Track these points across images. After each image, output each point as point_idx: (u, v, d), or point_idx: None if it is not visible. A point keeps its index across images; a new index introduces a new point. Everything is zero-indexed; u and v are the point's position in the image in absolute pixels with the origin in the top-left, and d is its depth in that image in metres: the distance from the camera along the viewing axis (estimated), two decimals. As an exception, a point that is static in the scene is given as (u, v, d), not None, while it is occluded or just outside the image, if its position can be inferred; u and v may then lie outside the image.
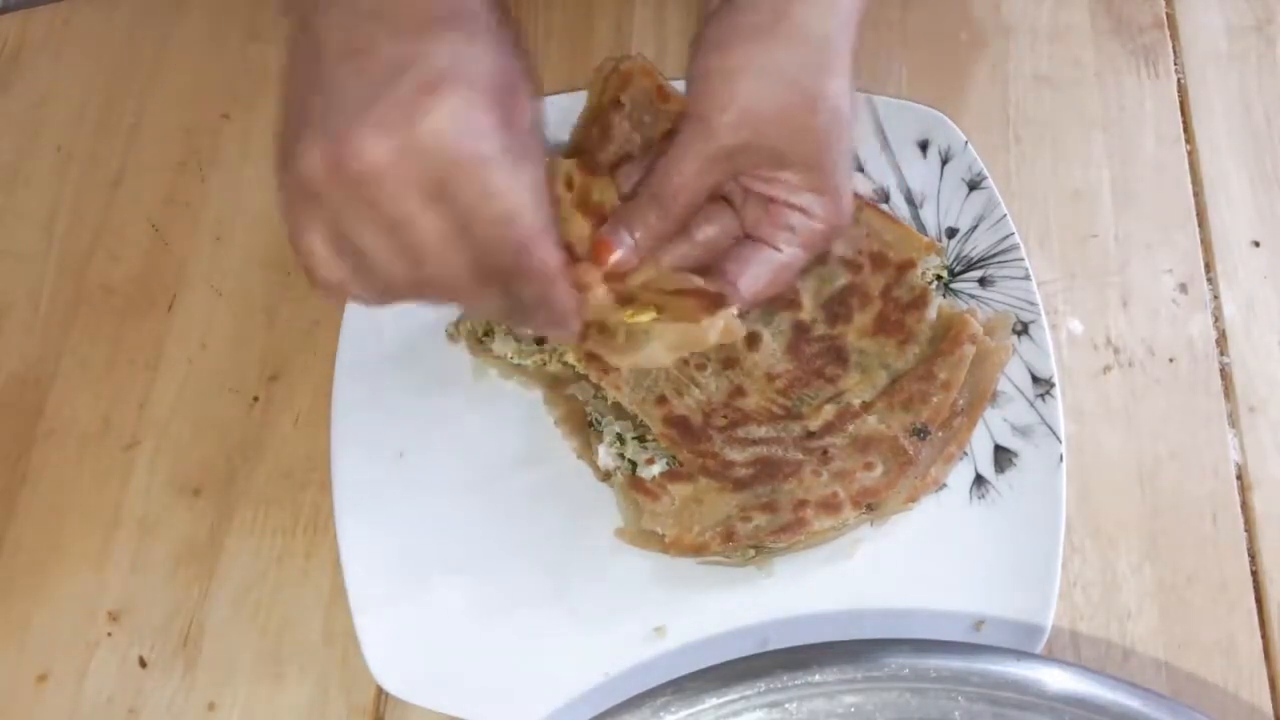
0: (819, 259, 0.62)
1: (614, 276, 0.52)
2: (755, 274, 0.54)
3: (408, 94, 0.44)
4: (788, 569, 0.60)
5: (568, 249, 0.50)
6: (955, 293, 0.65)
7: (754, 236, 0.54)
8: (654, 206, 0.53)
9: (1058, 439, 0.60)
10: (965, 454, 0.61)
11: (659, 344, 0.53)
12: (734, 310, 0.52)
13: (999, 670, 0.50)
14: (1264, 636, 0.59)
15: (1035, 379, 0.62)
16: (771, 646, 0.56)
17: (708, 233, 0.55)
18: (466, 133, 0.44)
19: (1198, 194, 0.70)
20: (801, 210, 0.53)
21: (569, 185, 0.53)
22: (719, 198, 0.55)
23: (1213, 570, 0.60)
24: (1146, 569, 0.61)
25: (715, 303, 0.52)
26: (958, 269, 0.66)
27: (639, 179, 0.54)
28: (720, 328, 0.52)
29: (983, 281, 0.65)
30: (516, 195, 0.45)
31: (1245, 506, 0.62)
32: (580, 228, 0.53)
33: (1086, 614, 0.60)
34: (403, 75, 0.44)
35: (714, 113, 0.51)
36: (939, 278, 0.65)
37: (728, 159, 0.52)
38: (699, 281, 0.53)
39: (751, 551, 0.59)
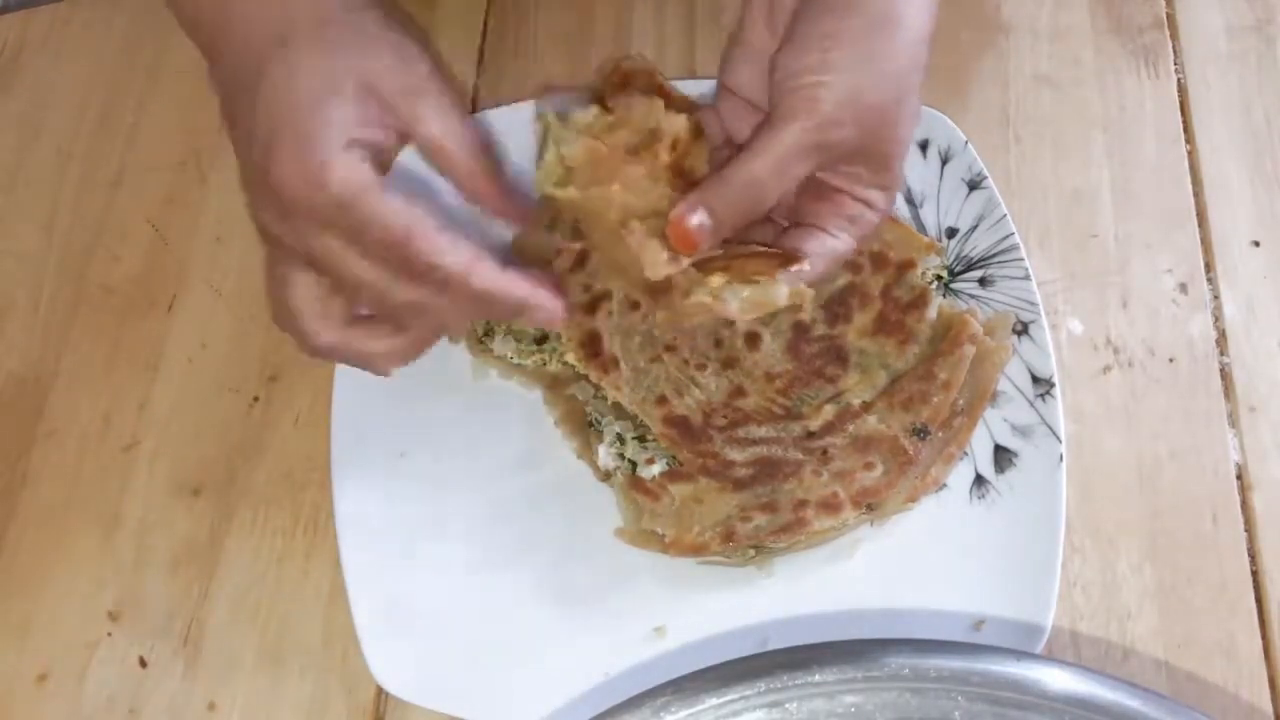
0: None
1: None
2: (813, 258, 0.53)
3: (259, 153, 0.48)
4: (788, 569, 0.60)
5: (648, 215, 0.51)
6: (955, 293, 0.65)
7: (809, 224, 0.54)
8: (745, 191, 0.51)
9: (1058, 439, 0.61)
10: (965, 454, 0.61)
11: (732, 305, 0.52)
12: (806, 265, 0.52)
13: (999, 670, 0.50)
14: (1264, 636, 0.59)
15: (1035, 379, 0.62)
16: (771, 646, 0.56)
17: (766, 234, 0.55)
18: (307, 181, 0.47)
19: (1198, 194, 0.70)
20: (866, 203, 0.53)
21: (673, 146, 0.52)
22: None
23: (1213, 570, 0.60)
24: (1146, 569, 0.61)
25: (784, 261, 0.52)
26: (958, 269, 0.66)
27: (727, 158, 0.52)
28: (788, 292, 0.51)
29: (983, 281, 0.65)
30: (394, 215, 0.48)
31: (1245, 506, 0.62)
32: (660, 196, 0.51)
33: (1086, 614, 0.60)
34: (251, 140, 0.49)
35: (820, 101, 0.50)
36: (939, 278, 0.65)
37: (823, 149, 0.51)
38: (763, 248, 0.53)
39: (751, 551, 0.60)
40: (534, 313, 0.51)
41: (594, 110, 0.51)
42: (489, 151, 0.51)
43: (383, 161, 0.50)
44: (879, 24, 0.50)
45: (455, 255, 0.49)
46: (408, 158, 0.52)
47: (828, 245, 0.53)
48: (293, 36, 0.49)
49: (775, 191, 0.52)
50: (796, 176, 0.52)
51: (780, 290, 0.51)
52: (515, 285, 0.50)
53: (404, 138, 0.50)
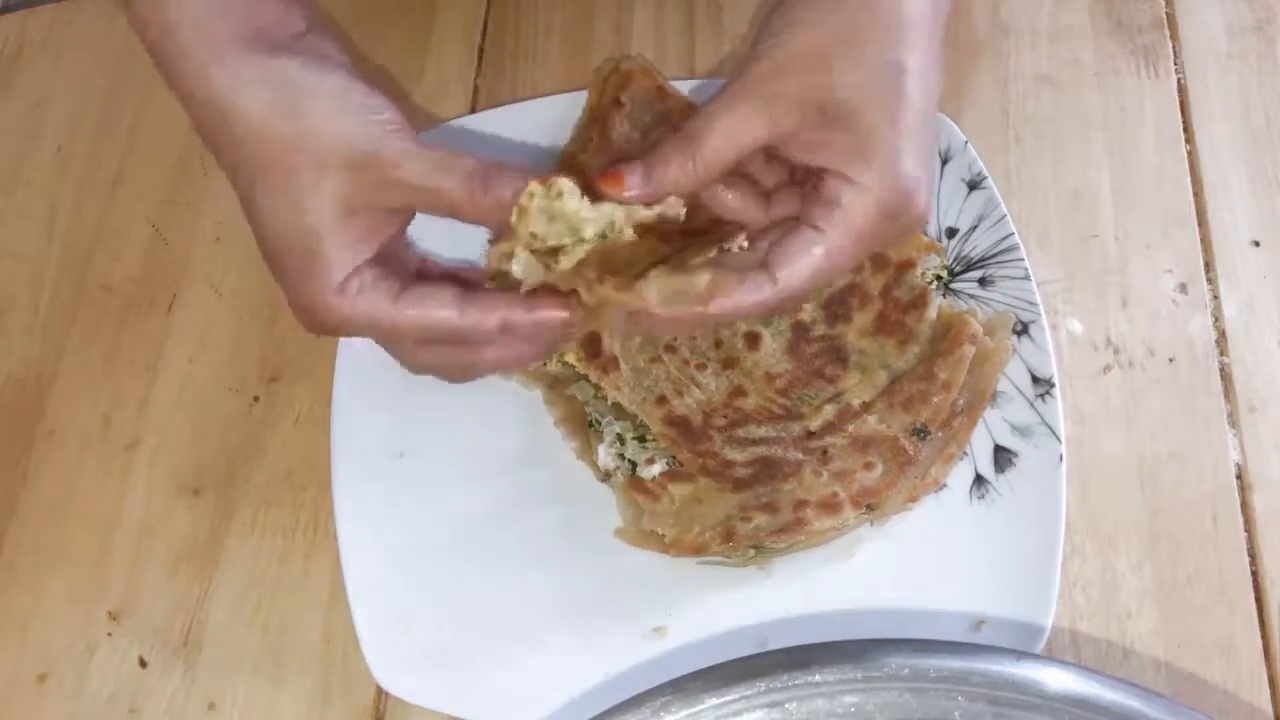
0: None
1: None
2: (793, 262, 0.48)
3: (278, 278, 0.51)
4: (788, 569, 0.60)
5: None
6: (955, 293, 0.65)
7: (801, 219, 0.49)
8: (684, 150, 0.48)
9: (1058, 439, 0.60)
10: (965, 454, 0.61)
11: (649, 295, 0.49)
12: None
13: (999, 670, 0.50)
14: (1264, 636, 0.59)
15: (1035, 379, 0.62)
16: (771, 646, 0.56)
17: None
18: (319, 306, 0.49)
19: (1198, 194, 0.70)
20: (848, 179, 0.47)
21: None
22: (764, 193, 0.52)
23: (1213, 570, 0.60)
24: (1146, 569, 0.61)
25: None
26: (958, 269, 0.66)
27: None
28: (707, 280, 0.48)
29: (983, 281, 0.65)
30: (419, 320, 0.50)
31: (1245, 506, 0.62)
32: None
33: (1086, 614, 0.60)
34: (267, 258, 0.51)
35: (768, 54, 0.48)
36: (939, 278, 0.65)
37: (775, 108, 0.48)
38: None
39: (751, 551, 0.60)
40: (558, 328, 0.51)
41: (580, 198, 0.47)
42: (485, 175, 0.48)
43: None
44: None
45: (491, 315, 0.49)
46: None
47: (807, 242, 0.48)
48: (264, 177, 0.49)
49: (724, 159, 0.49)
50: (744, 144, 0.48)
51: (699, 280, 0.48)
52: (548, 312, 0.50)
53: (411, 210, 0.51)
